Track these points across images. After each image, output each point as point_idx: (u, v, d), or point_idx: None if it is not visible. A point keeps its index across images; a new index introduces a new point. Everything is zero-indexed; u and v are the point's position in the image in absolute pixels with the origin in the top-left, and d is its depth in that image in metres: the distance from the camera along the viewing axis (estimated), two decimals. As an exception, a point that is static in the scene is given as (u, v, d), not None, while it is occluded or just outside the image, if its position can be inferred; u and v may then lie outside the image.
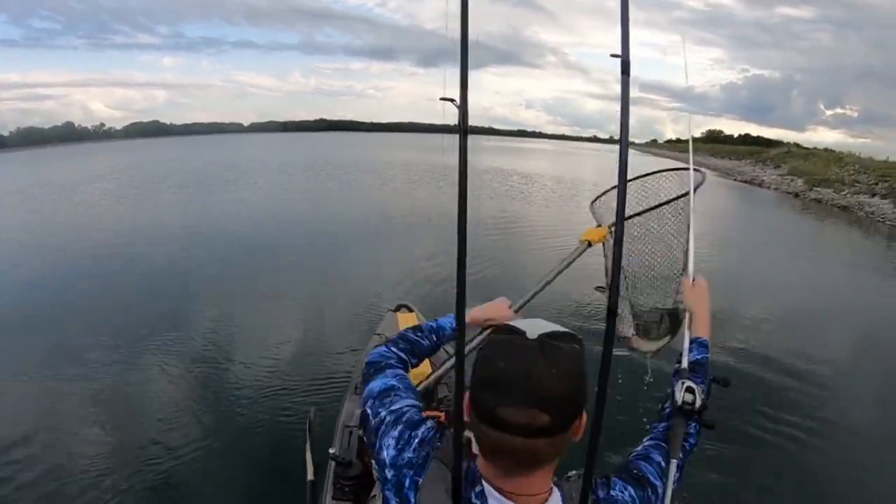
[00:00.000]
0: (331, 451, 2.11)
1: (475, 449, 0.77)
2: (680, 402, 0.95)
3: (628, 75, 0.77)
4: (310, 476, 2.00)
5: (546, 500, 0.75)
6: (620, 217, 0.81)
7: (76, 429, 3.30)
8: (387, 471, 0.81)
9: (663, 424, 0.99)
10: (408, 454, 0.81)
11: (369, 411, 0.90)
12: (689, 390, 0.96)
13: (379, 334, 2.84)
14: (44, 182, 18.92)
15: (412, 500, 0.77)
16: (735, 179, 27.70)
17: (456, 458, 0.72)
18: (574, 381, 0.70)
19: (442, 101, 0.87)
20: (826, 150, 31.84)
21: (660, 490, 0.88)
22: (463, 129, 0.84)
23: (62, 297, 5.78)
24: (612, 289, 0.78)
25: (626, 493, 0.83)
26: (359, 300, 5.69)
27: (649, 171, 2.10)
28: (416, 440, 0.82)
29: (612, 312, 0.78)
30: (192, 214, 11.46)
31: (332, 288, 6.20)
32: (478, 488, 0.74)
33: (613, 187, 2.38)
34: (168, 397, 3.64)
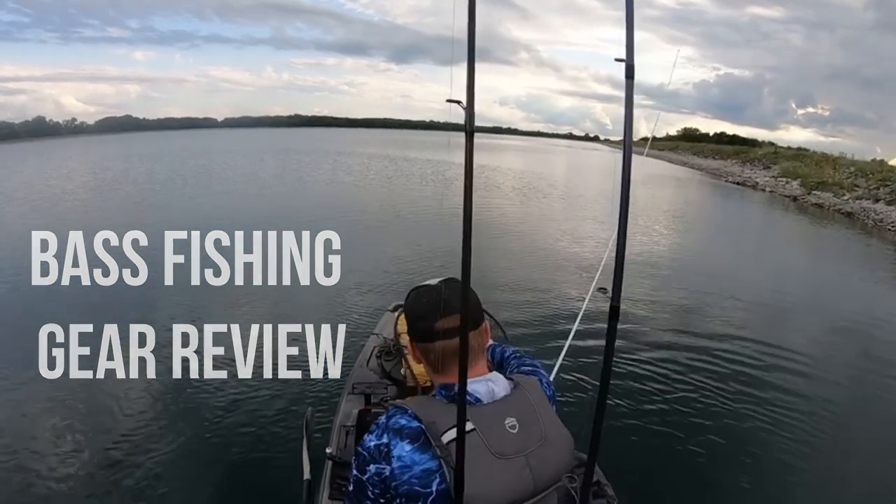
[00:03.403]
0: (328, 450, 2.11)
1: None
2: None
3: (633, 79, 0.78)
4: (306, 475, 2.00)
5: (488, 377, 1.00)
6: (624, 211, 0.82)
7: (61, 432, 3.25)
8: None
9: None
10: (397, 423, 0.95)
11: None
12: None
13: (377, 334, 2.85)
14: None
15: (405, 447, 0.93)
16: (727, 180, 27.52)
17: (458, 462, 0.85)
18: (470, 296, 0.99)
19: (448, 103, 0.89)
20: (800, 148, 31.82)
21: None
22: (469, 130, 0.86)
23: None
24: (616, 288, 0.80)
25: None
26: (355, 299, 5.65)
27: None
28: (381, 427, 0.98)
29: (615, 310, 0.80)
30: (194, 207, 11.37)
31: (326, 287, 6.12)
32: (452, 392, 0.96)
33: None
34: (159, 396, 3.59)
